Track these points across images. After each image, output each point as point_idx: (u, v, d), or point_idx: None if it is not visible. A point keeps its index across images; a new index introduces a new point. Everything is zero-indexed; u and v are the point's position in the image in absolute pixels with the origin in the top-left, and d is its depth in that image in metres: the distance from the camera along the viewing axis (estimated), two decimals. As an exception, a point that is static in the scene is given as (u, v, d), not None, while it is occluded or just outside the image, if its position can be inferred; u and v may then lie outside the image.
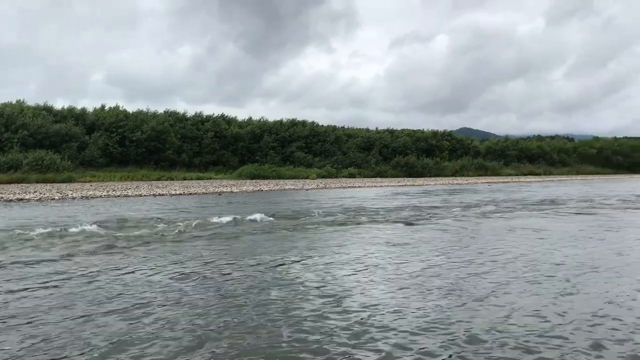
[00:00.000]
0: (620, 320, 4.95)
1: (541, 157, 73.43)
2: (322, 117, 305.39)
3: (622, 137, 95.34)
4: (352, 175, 52.21)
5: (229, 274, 7.08)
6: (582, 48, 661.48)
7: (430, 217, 14.84)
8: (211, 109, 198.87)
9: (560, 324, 4.81)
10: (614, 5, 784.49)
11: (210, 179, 43.25)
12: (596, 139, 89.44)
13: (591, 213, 16.11)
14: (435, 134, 68.95)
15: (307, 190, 32.08)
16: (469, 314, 5.13)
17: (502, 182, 46.13)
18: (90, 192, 25.06)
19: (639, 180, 51.01)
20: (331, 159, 55.57)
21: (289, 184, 36.60)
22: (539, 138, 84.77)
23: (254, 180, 41.72)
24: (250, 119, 60.64)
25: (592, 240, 10.25)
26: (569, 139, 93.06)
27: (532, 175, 64.61)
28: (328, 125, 65.01)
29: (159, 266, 7.57)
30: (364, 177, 51.96)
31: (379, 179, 49.34)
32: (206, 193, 27.38)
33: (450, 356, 4.09)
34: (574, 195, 25.57)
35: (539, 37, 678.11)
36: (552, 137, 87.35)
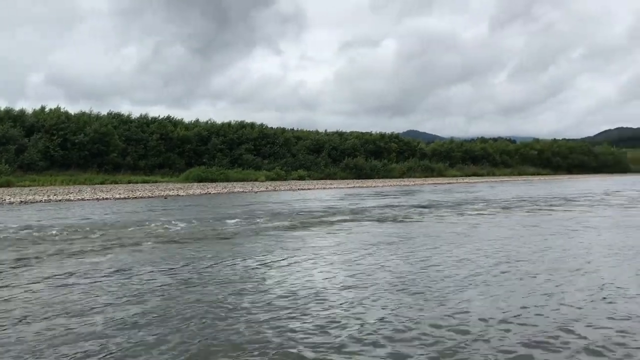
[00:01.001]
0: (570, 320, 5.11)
1: (485, 159, 75.48)
2: (271, 119, 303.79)
3: (560, 139, 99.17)
4: (301, 178, 52.15)
5: (182, 278, 6.93)
6: (523, 53, 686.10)
7: (383, 217, 14.99)
8: (158, 111, 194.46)
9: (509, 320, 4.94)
10: (553, 12, 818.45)
11: (157, 182, 42.28)
12: (536, 140, 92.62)
13: (540, 212, 16.67)
14: (383, 136, 69.79)
15: (256, 192, 31.87)
16: (421, 312, 5.19)
17: (448, 183, 47.18)
18: (30, 197, 24.06)
19: (580, 181, 53.15)
20: (280, 161, 55.33)
21: (237, 187, 36.25)
22: (483, 140, 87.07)
23: (201, 183, 41.06)
24: (197, 120, 59.63)
25: (541, 238, 10.59)
26: (511, 141, 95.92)
27: (476, 176, 66.32)
28: (277, 128, 64.76)
29: (98, 273, 7.33)
30: (314, 179, 52.02)
31: (328, 181, 49.51)
32: (152, 197, 26.77)
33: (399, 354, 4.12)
34: (520, 195, 26.42)
35: (483, 42, 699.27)
36: (495, 139, 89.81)
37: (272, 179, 48.83)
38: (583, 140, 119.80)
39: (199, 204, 21.61)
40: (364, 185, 41.46)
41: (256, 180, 47.03)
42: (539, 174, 75.77)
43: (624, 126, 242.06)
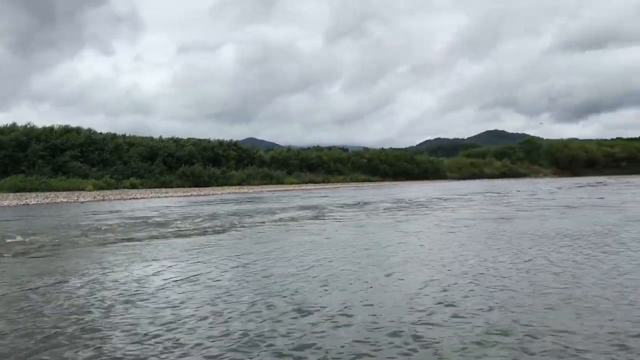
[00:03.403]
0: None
1: (320, 166, 78.40)
2: (100, 124, 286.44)
3: (388, 148, 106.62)
4: (134, 186, 49.63)
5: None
6: (356, 66, 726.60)
7: (218, 227, 14.65)
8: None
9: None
10: (382, 29, 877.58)
11: (-37, 192, 37.35)
12: (366, 149, 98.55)
13: (366, 215, 17.49)
14: (221, 143, 69.25)
15: (83, 202, 29.57)
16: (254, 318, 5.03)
17: (286, 190, 48.06)
18: None
19: (406, 186, 57.30)
20: (110, 169, 52.12)
21: (61, 197, 33.30)
22: (318, 148, 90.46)
23: (18, 194, 37.08)
24: (14, 124, 53.99)
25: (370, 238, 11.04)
26: (344, 149, 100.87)
27: (312, 183, 68.55)
28: (107, 133, 61.03)
29: None
30: (147, 188, 49.76)
31: (163, 190, 47.69)
32: (-45, 209, 23.50)
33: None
34: (349, 201, 27.64)
35: (319, 54, 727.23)
36: (330, 148, 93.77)
37: (101, 188, 45.80)
38: (407, 149, 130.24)
39: (13, 217, 19.38)
40: (202, 194, 40.59)
41: (83, 189, 43.74)
42: (369, 180, 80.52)
43: (442, 137, 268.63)
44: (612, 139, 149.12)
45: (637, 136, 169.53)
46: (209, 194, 39.93)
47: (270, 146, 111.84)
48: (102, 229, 14.01)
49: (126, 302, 6.01)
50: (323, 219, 16.59)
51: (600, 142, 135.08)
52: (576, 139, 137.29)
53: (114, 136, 60.28)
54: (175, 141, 65.66)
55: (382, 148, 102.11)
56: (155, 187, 50.95)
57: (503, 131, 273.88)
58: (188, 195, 38.11)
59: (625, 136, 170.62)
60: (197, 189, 50.00)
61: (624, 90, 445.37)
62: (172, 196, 37.10)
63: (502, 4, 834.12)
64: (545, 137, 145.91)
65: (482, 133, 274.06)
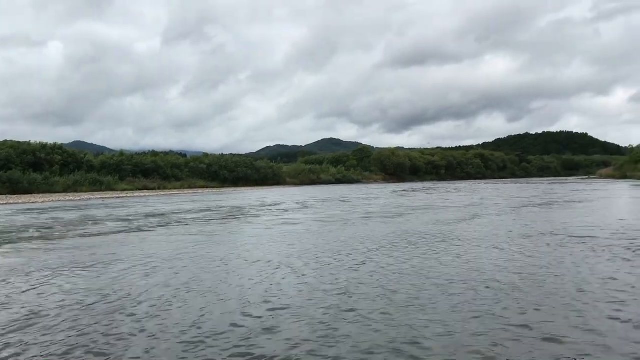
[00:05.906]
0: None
1: (155, 172, 75.49)
2: None
3: (228, 153, 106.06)
4: (-64, 194, 43.89)
5: None
6: (196, 70, 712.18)
7: (33, 238, 13.74)
8: None
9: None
10: (223, 34, 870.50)
11: None
12: (206, 155, 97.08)
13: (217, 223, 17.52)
14: (44, 146, 63.78)
15: None
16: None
17: (117, 197, 45.84)
18: None
19: (247, 193, 57.65)
20: None
21: None
22: (154, 153, 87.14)
23: None
24: None
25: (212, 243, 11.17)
26: (182, 154, 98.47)
27: (147, 189, 65.99)
28: None
29: None
30: (-46, 196, 44.29)
31: (-27, 197, 42.77)
32: None
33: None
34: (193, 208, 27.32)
35: (156, 56, 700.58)
36: (167, 153, 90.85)
37: None
38: (247, 155, 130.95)
39: None
40: (19, 202, 37.23)
41: None
42: (208, 186, 79.49)
43: (281, 143, 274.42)
44: (432, 148, 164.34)
45: (453, 146, 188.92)
46: (27, 202, 36.75)
47: (101, 150, 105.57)
48: None
49: None
50: (165, 227, 16.36)
51: (422, 151, 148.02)
52: (402, 148, 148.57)
53: None
54: (-10, 144, 59.23)
55: (222, 154, 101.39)
56: (-37, 195, 45.54)
57: (338, 139, 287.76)
58: (3, 204, 34.77)
59: (443, 146, 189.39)
60: (14, 196, 45.65)
61: (442, 105, 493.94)
62: (-17, 205, 33.54)
63: (337, 18, 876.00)
64: (375, 145, 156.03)
65: (319, 141, 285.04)
